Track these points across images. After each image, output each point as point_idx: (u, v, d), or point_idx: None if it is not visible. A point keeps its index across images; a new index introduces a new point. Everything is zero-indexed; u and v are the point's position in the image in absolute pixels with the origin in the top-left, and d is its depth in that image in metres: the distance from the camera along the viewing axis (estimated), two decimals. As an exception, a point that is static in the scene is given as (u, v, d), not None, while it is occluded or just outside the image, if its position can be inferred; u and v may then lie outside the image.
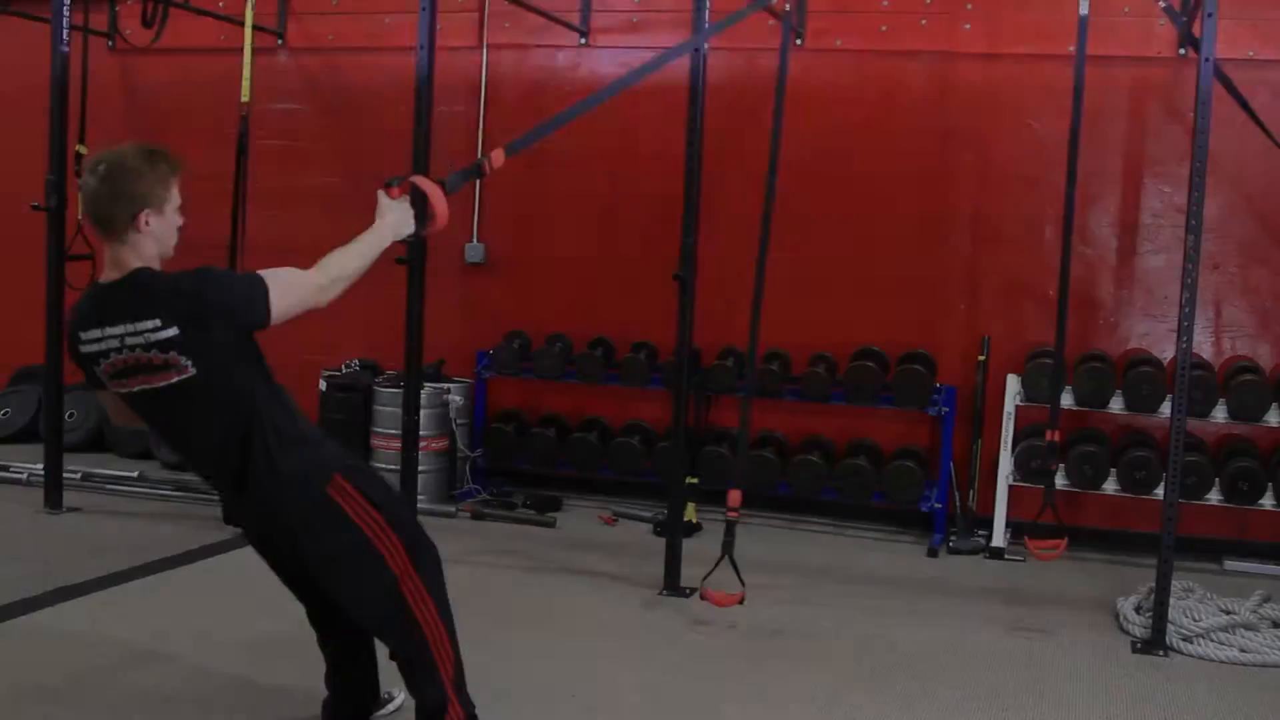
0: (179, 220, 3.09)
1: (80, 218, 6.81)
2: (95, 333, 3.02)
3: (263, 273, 3.04)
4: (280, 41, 7.93)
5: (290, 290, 3.04)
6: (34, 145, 6.88)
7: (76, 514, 6.35)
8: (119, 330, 2.98)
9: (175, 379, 2.99)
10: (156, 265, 3.06)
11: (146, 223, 3.00)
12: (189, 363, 2.97)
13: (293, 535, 3.16)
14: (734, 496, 4.99)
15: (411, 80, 5.58)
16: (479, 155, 7.43)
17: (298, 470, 3.13)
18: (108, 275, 3.06)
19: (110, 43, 8.17)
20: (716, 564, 4.96)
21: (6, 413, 8.22)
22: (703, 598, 4.91)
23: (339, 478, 3.18)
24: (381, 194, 3.27)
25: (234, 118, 6.83)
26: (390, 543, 3.22)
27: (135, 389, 3.05)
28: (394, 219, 3.24)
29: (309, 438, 3.23)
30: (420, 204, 3.29)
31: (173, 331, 2.95)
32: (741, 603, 4.86)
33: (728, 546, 4.96)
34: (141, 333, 2.96)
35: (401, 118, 6.31)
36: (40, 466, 6.59)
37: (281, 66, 7.95)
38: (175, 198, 3.06)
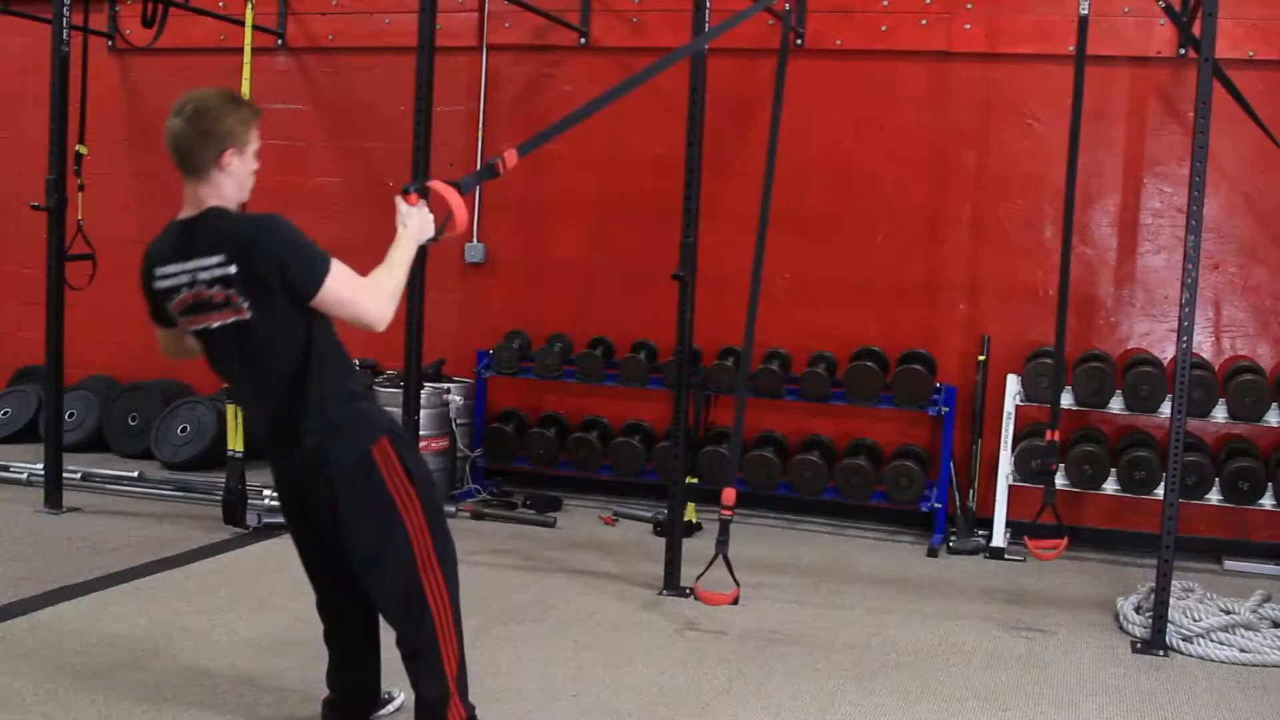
0: (256, 165, 3.20)
1: (80, 218, 6.84)
2: (171, 268, 3.12)
3: (334, 259, 3.09)
4: (280, 41, 7.93)
5: (351, 286, 3.08)
6: (34, 145, 6.89)
7: (76, 514, 6.35)
8: (191, 266, 3.08)
9: (232, 319, 3.08)
10: (234, 207, 3.17)
11: (229, 161, 3.11)
12: (245, 304, 3.05)
13: (330, 488, 3.17)
14: (728, 495, 5.05)
15: (411, 80, 5.58)
16: (479, 155, 7.48)
17: (347, 424, 3.19)
18: (186, 213, 3.17)
19: (110, 43, 8.19)
20: (710, 563, 4.99)
21: (7, 412, 8.23)
22: (696, 597, 4.95)
23: (385, 441, 3.22)
24: (400, 201, 3.28)
25: (234, 117, 6.83)
26: (417, 521, 3.24)
27: (198, 327, 3.15)
28: (416, 226, 3.27)
29: (362, 395, 3.30)
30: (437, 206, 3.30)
31: (232, 269, 3.03)
32: (736, 602, 4.88)
33: (721, 545, 4.99)
34: (208, 268, 3.06)
35: (401, 118, 6.33)
36: (40, 466, 6.59)
37: (281, 66, 7.95)
38: (255, 141, 3.19)
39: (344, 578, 3.40)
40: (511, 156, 3.54)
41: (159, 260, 3.16)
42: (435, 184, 3.32)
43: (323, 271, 3.05)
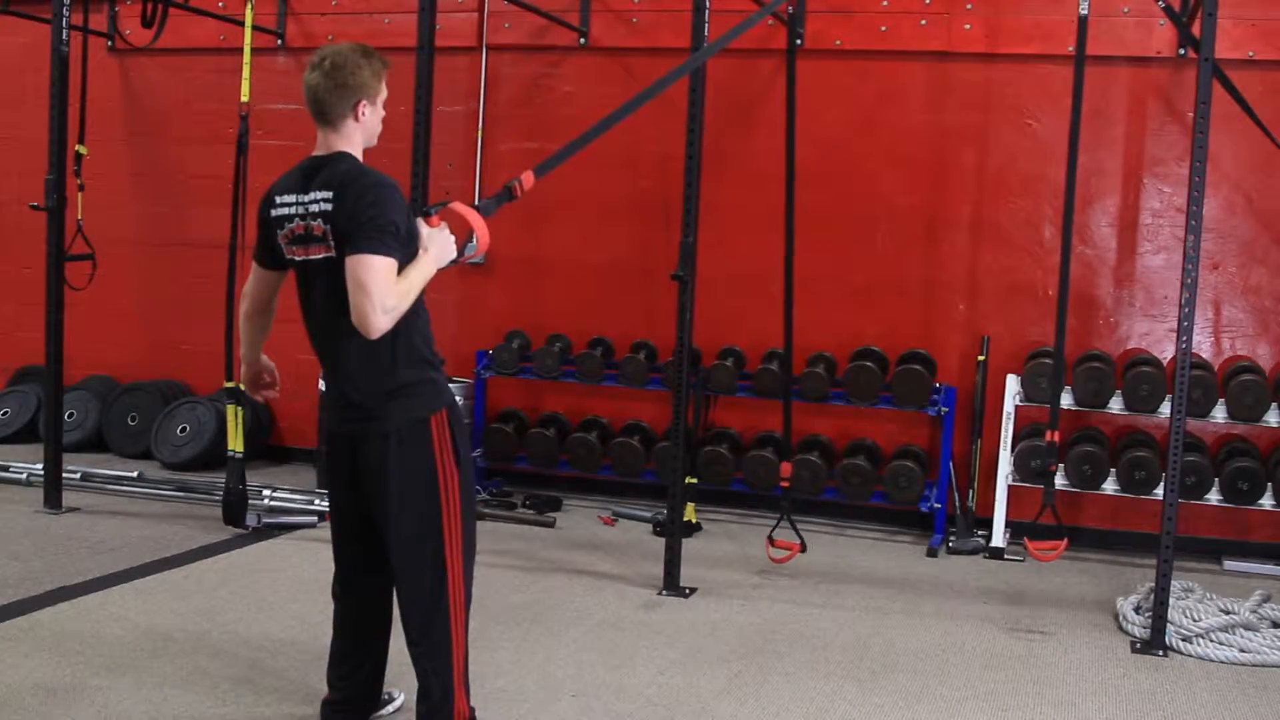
0: (384, 113, 3.36)
1: (79, 218, 6.84)
2: (290, 198, 3.25)
3: (393, 257, 3.10)
4: (280, 42, 7.93)
5: (377, 277, 3.06)
6: (33, 145, 6.88)
7: (76, 514, 6.35)
8: (308, 198, 3.20)
9: (322, 254, 3.19)
10: (359, 154, 3.30)
11: (363, 112, 3.27)
12: (333, 241, 3.15)
13: (384, 446, 3.22)
14: (785, 468, 5.83)
15: (411, 80, 5.58)
16: (478, 155, 7.49)
17: (415, 384, 3.26)
18: (318, 152, 3.30)
19: (110, 43, 8.18)
20: (777, 523, 5.68)
21: (6, 412, 8.23)
22: (770, 552, 5.62)
23: (444, 413, 3.29)
24: (420, 223, 3.28)
25: (233, 118, 6.81)
26: (452, 502, 3.29)
27: (299, 258, 3.26)
28: (437, 250, 3.28)
29: (435, 363, 3.34)
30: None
31: (332, 206, 3.15)
32: (804, 550, 5.61)
33: (785, 508, 5.72)
34: (318, 201, 3.18)
35: (401, 118, 6.31)
36: (40, 466, 6.59)
37: (281, 66, 7.95)
38: (384, 91, 3.35)
39: (371, 559, 3.40)
40: (529, 178, 3.57)
41: (281, 189, 3.29)
42: (456, 205, 3.33)
43: (377, 248, 3.07)
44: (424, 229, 3.28)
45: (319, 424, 7.01)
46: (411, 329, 3.24)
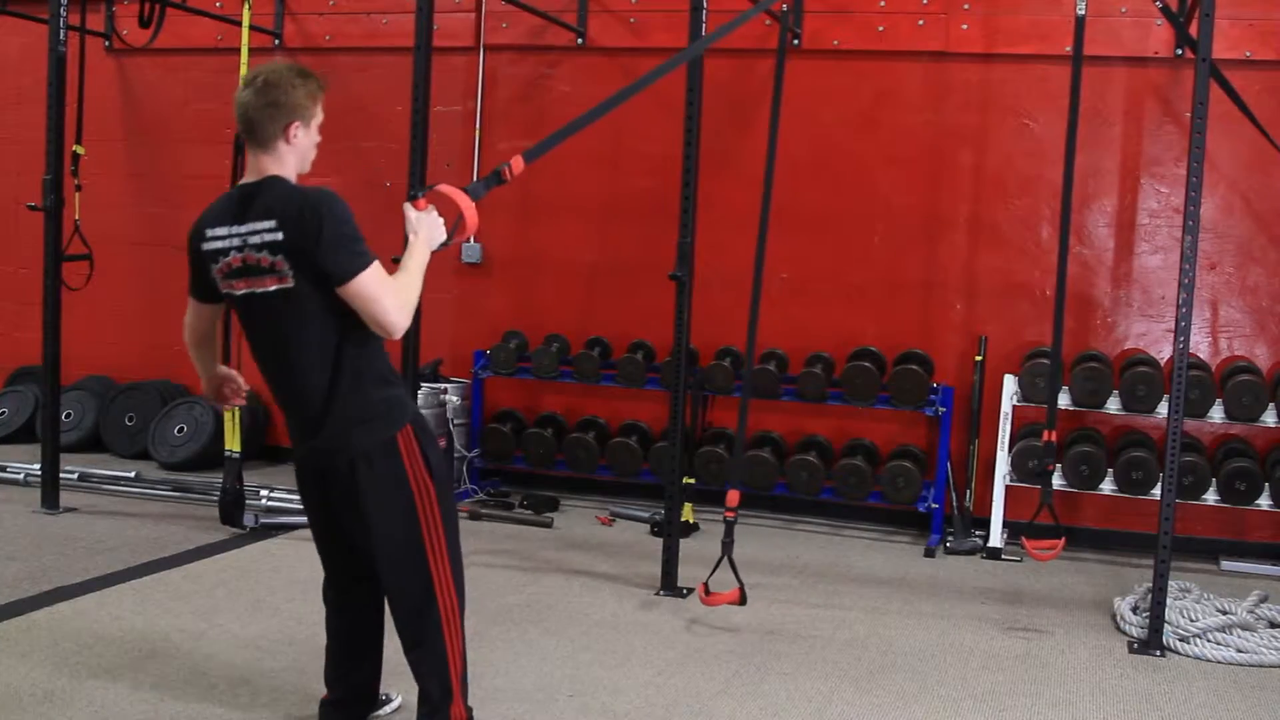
0: (318, 138, 3.26)
1: (76, 218, 6.84)
2: (222, 230, 3.14)
3: (376, 258, 3.10)
4: (277, 42, 7.93)
5: (385, 288, 3.07)
6: (31, 145, 6.88)
7: (73, 514, 6.35)
8: (244, 229, 3.10)
9: (275, 286, 3.10)
10: (293, 178, 3.20)
11: (295, 134, 3.16)
12: (290, 272, 3.07)
13: (352, 469, 3.18)
14: (732, 497, 5.09)
15: (409, 80, 5.58)
16: (476, 155, 7.48)
17: (377, 406, 3.20)
18: (248, 179, 3.20)
19: (107, 43, 8.18)
20: (717, 564, 5.00)
21: (4, 413, 8.22)
22: (704, 598, 4.91)
23: (410, 429, 3.24)
24: (408, 207, 3.28)
25: (231, 118, 6.77)
26: (431, 513, 3.25)
27: (241, 292, 3.16)
28: (426, 233, 3.27)
29: (394, 381, 3.30)
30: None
31: (280, 236, 3.05)
32: (742, 601, 4.88)
33: (727, 547, 5.01)
34: (259, 232, 3.08)
35: (398, 118, 6.34)
36: (37, 466, 6.58)
37: (279, 66, 7.94)
38: (320, 114, 3.25)
39: (358, 570, 3.40)
40: (518, 163, 3.54)
41: (213, 221, 3.19)
42: (444, 187, 3.31)
43: (363, 263, 3.05)
44: (412, 213, 3.27)
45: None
46: (368, 352, 3.18)
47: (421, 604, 3.28)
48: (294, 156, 3.20)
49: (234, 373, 3.56)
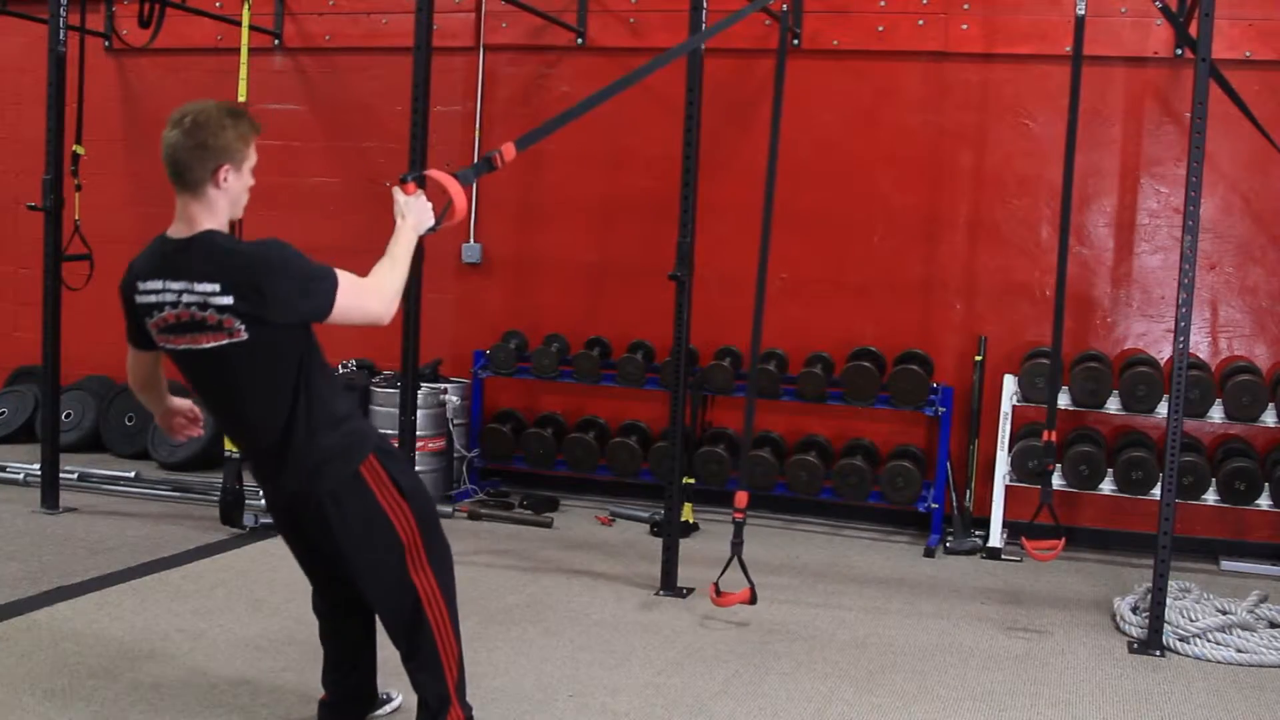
0: (252, 181, 3.11)
1: (76, 219, 6.84)
2: (155, 284, 3.02)
3: (338, 271, 3.04)
4: (277, 42, 7.93)
5: (361, 293, 3.05)
6: (31, 145, 6.88)
7: (73, 514, 6.35)
8: (179, 286, 2.98)
9: (225, 341, 2.99)
10: (225, 225, 3.07)
11: (225, 179, 3.01)
12: (242, 327, 2.97)
13: (321, 510, 3.15)
14: (740, 498, 5.01)
15: (408, 80, 5.58)
16: (475, 155, 7.47)
17: (336, 446, 3.14)
18: (176, 229, 3.05)
19: (107, 43, 8.18)
20: (727, 565, 4.98)
21: (3, 413, 8.22)
22: (715, 599, 4.89)
23: (373, 458, 3.19)
24: (397, 191, 3.25)
25: (231, 118, 6.83)
26: (409, 530, 3.23)
27: (182, 347, 3.05)
28: (414, 217, 3.24)
29: (349, 416, 3.23)
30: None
31: (229, 299, 2.95)
32: (753, 601, 4.88)
33: (736, 547, 4.97)
34: (200, 294, 2.96)
35: (398, 118, 6.33)
36: (37, 466, 6.58)
37: (278, 67, 7.95)
38: (253, 156, 3.09)
39: (344, 588, 3.41)
40: (509, 150, 3.51)
41: (143, 275, 3.06)
42: (433, 172, 3.29)
43: (332, 291, 3.00)
44: (400, 197, 3.25)
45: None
46: (315, 395, 3.10)
47: (412, 619, 3.29)
48: (225, 201, 3.04)
49: (186, 403, 3.46)
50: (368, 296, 3.08)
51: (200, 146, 2.98)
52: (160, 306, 3.02)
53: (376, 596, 3.31)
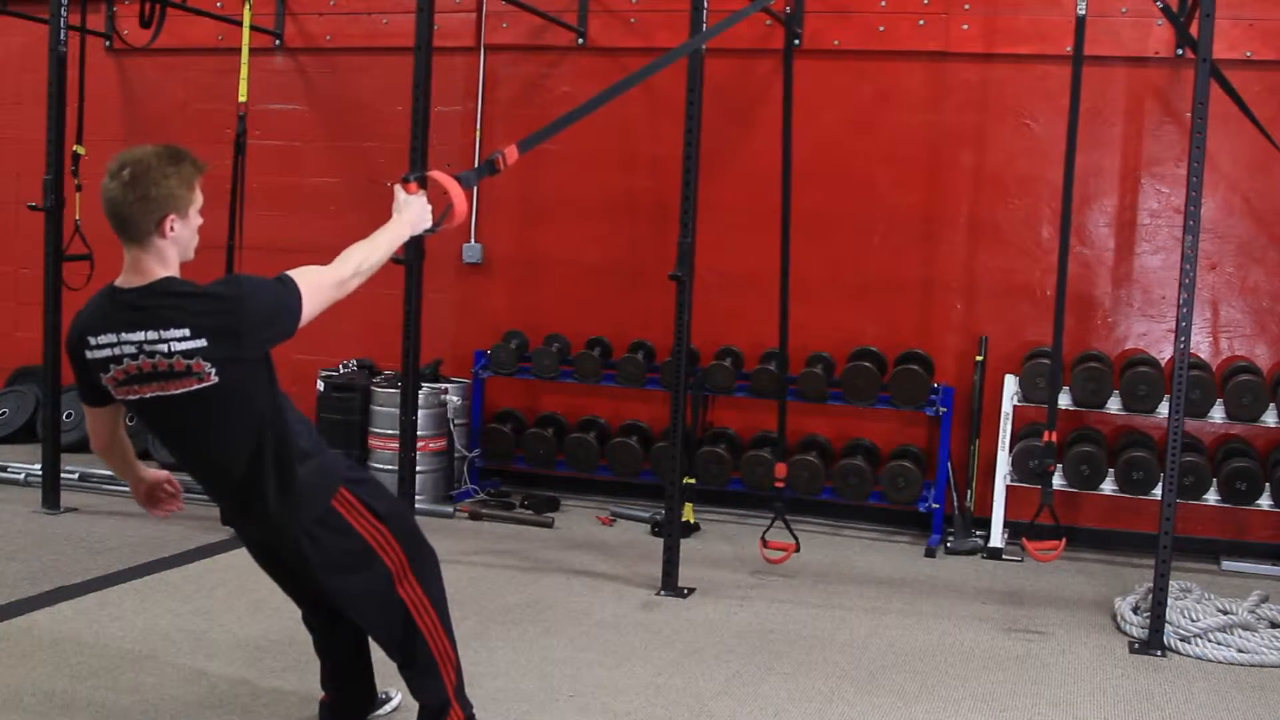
0: (199, 222, 3.00)
1: (77, 218, 6.84)
2: (109, 338, 2.90)
3: (291, 274, 2.98)
4: (278, 42, 7.93)
5: (318, 292, 3.00)
6: (31, 145, 6.88)
7: (74, 514, 6.35)
8: (138, 337, 2.87)
9: (195, 386, 2.90)
10: (177, 270, 2.97)
11: (171, 228, 2.89)
12: (212, 370, 2.89)
13: (298, 545, 3.12)
14: (780, 469, 5.85)
15: (409, 80, 5.58)
16: (476, 155, 7.47)
17: (306, 483, 3.10)
18: (127, 280, 2.93)
19: (108, 43, 8.18)
20: (770, 525, 5.73)
21: (4, 413, 8.22)
22: (763, 551, 5.66)
23: (344, 490, 3.17)
24: (398, 189, 3.25)
25: (231, 118, 6.83)
26: (392, 552, 3.23)
27: (148, 395, 2.94)
28: (412, 215, 3.22)
29: (315, 450, 3.17)
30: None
31: (201, 343, 2.87)
32: (798, 549, 5.68)
33: (779, 509, 5.77)
34: (167, 340, 2.86)
35: (399, 118, 6.32)
36: (38, 466, 6.58)
37: (279, 66, 7.95)
38: (198, 199, 2.97)
39: (330, 609, 3.42)
40: (512, 152, 3.50)
41: (94, 329, 2.92)
42: (436, 174, 3.28)
43: (297, 304, 2.94)
44: (400, 194, 3.24)
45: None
46: (282, 434, 3.05)
47: (403, 632, 3.30)
48: (174, 250, 2.93)
49: (164, 474, 3.38)
50: (324, 288, 3.00)
51: (142, 199, 2.85)
52: (118, 360, 2.91)
53: (365, 619, 3.32)
